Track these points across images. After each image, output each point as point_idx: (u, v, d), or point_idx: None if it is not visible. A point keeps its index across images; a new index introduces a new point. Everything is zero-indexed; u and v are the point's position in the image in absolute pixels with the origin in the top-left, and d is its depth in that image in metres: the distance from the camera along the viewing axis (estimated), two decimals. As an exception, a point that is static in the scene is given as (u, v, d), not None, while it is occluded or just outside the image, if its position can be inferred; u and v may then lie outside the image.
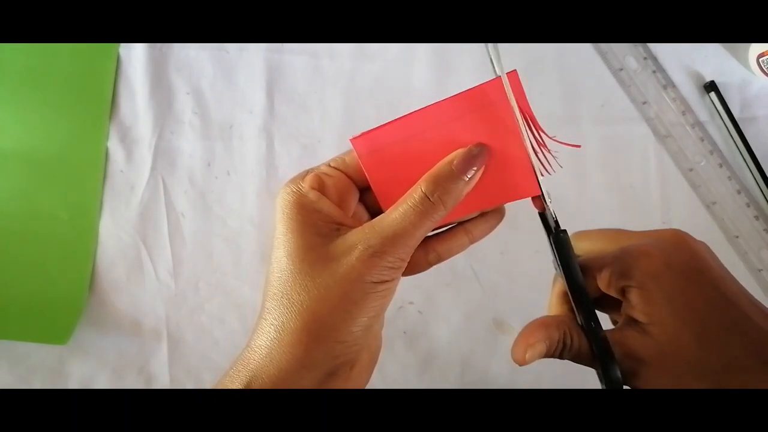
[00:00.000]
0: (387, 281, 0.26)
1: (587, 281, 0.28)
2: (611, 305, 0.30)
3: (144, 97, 0.49)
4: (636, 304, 0.27)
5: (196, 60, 0.49)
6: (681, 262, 0.27)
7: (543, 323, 0.28)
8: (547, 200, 0.28)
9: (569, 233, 0.29)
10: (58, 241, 0.47)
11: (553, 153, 0.28)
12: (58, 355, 0.48)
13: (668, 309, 0.26)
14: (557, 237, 0.28)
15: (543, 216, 0.29)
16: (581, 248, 0.31)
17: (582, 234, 0.32)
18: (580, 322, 0.28)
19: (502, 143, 0.27)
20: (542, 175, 0.28)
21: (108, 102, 0.49)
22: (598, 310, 0.29)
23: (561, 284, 0.30)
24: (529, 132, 0.27)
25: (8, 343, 0.47)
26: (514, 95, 0.27)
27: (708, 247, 0.28)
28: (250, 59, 0.49)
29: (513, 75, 0.27)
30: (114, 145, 0.49)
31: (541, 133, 0.28)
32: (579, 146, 0.27)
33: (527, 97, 0.27)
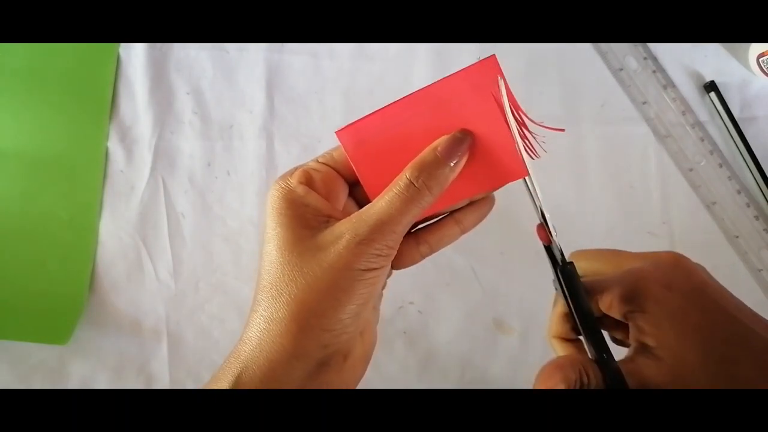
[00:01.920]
0: (375, 269, 0.26)
1: (590, 304, 0.29)
2: (611, 325, 0.30)
3: (144, 97, 0.49)
4: (644, 329, 0.27)
5: (196, 60, 0.49)
6: (680, 283, 0.27)
7: (558, 365, 0.28)
8: (553, 234, 0.28)
9: (571, 239, 0.29)
10: (58, 241, 0.47)
11: (538, 138, 0.28)
12: (58, 355, 0.48)
13: (673, 330, 0.26)
14: (564, 270, 0.28)
15: (548, 249, 0.29)
16: (578, 267, 0.31)
17: (579, 253, 0.32)
18: (590, 354, 0.28)
19: (487, 128, 0.27)
20: (532, 158, 0.28)
21: (108, 102, 0.49)
22: (601, 328, 0.29)
23: (562, 305, 0.30)
24: (511, 115, 0.27)
25: (8, 343, 0.47)
26: (494, 79, 0.27)
27: (704, 269, 0.28)
28: (250, 59, 0.49)
29: (491, 60, 0.27)
30: (114, 145, 0.49)
31: (523, 115, 0.28)
32: (563, 130, 0.27)
33: (516, 89, 0.27)
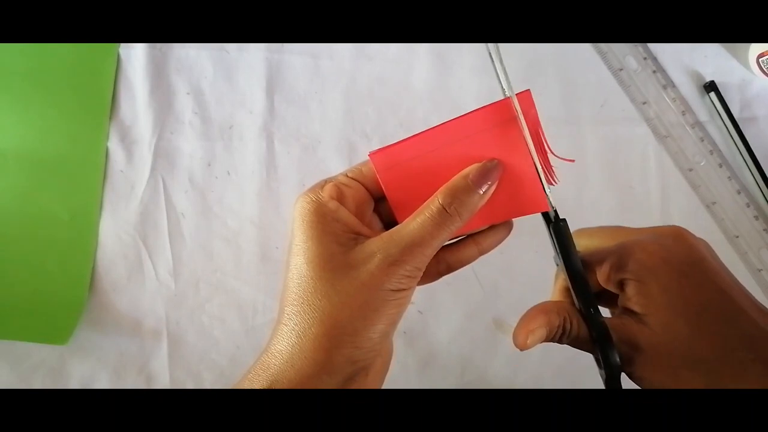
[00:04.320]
0: (404, 289, 0.26)
1: (587, 277, 0.29)
2: (611, 300, 0.30)
3: (144, 97, 0.49)
4: (632, 296, 0.27)
5: (196, 60, 0.49)
6: (678, 256, 0.27)
7: (543, 309, 0.28)
8: (547, 191, 0.28)
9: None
10: (58, 241, 0.47)
11: (554, 167, 0.29)
12: (58, 355, 0.48)
13: (663, 300, 0.26)
14: (557, 226, 0.28)
15: None
16: (581, 245, 0.31)
17: (582, 231, 0.32)
18: (579, 309, 0.29)
19: (514, 160, 0.28)
20: (550, 184, 0.29)
21: (108, 102, 0.49)
22: (598, 305, 0.29)
23: (563, 280, 0.31)
24: (539, 150, 0.28)
25: (8, 343, 0.47)
26: (527, 114, 0.27)
27: (707, 244, 0.29)
28: (250, 59, 0.49)
29: (526, 94, 0.28)
30: (114, 145, 0.49)
31: (548, 149, 0.28)
32: (572, 161, 0.28)
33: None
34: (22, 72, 0.48)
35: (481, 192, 0.28)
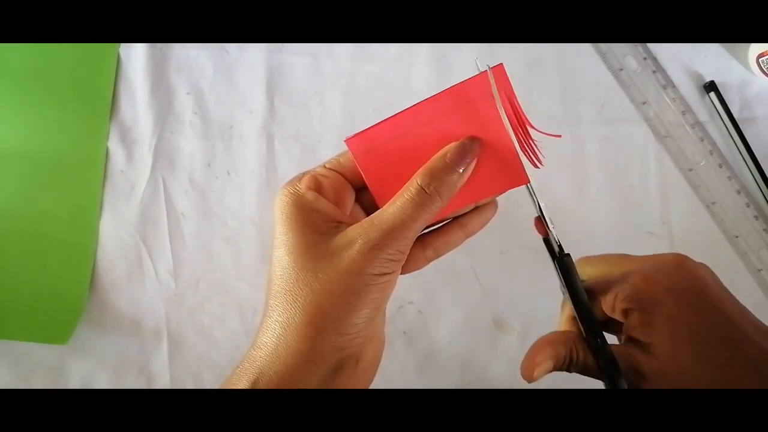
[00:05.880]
0: (387, 273, 0.26)
1: (592, 306, 0.29)
2: (617, 328, 0.30)
3: (144, 97, 0.49)
4: (636, 325, 0.27)
5: (196, 60, 0.49)
6: (681, 286, 0.27)
7: (549, 340, 0.28)
8: (550, 226, 0.28)
9: (571, 239, 0.29)
10: (58, 241, 0.47)
11: (539, 144, 0.29)
12: (58, 354, 0.48)
13: (668, 330, 0.26)
14: (561, 260, 0.29)
15: (547, 241, 0.30)
16: (586, 273, 0.31)
17: (586, 259, 0.32)
18: (586, 339, 0.29)
19: (492, 136, 0.28)
20: (536, 167, 0.28)
21: (108, 102, 0.49)
22: (604, 332, 0.29)
23: (569, 309, 0.31)
24: (512, 125, 0.28)
25: (8, 343, 0.47)
26: (502, 88, 0.27)
27: (708, 268, 0.29)
28: (250, 59, 0.49)
29: (499, 68, 0.27)
30: (114, 145, 0.49)
31: (527, 124, 0.28)
32: (560, 136, 0.28)
33: (515, 91, 0.28)
34: (22, 72, 0.48)
35: (460, 171, 0.27)
